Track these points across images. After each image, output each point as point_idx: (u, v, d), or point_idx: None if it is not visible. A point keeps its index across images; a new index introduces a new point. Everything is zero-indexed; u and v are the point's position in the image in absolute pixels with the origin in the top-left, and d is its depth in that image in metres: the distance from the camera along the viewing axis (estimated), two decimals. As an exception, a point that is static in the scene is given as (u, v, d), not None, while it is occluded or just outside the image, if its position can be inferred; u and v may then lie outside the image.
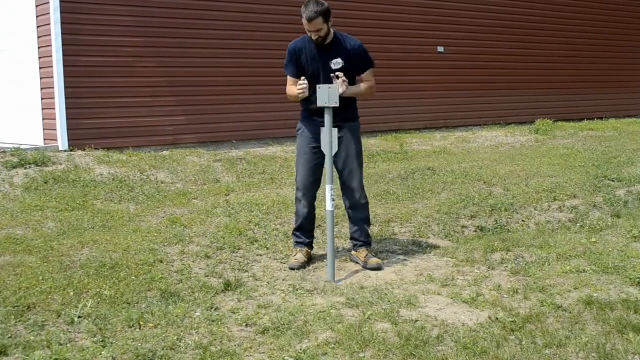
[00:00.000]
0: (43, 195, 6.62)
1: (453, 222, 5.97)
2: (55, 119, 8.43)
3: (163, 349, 3.36)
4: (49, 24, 8.31)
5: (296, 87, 4.64)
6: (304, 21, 4.53)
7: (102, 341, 3.44)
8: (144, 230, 5.49)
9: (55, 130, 8.46)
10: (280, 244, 5.27)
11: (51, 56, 8.38)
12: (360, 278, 4.61)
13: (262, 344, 3.46)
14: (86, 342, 3.45)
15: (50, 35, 8.34)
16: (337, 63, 4.68)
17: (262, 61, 9.94)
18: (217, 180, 7.75)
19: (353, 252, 4.98)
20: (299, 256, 4.86)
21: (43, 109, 8.72)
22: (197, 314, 3.85)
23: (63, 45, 8.34)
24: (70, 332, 3.58)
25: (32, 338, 3.47)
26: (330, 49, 4.69)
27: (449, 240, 5.60)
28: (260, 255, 5.03)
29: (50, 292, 4.05)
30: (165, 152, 8.87)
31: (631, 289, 4.22)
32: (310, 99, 4.66)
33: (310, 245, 5.03)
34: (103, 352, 3.32)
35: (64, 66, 8.36)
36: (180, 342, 3.46)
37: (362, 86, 4.81)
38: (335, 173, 4.89)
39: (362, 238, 4.93)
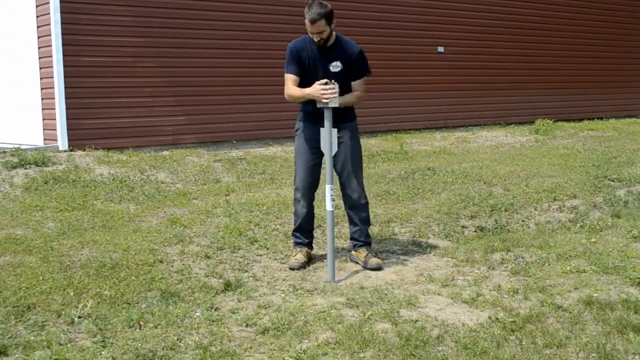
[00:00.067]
0: (43, 195, 6.62)
1: (453, 222, 5.97)
2: (55, 119, 8.43)
3: (163, 349, 3.36)
4: (49, 24, 8.32)
5: (310, 88, 4.56)
6: (307, 22, 4.52)
7: (102, 341, 3.44)
8: (144, 230, 5.49)
9: (55, 130, 8.46)
10: (280, 244, 5.27)
11: (51, 56, 8.39)
12: (360, 278, 4.61)
13: (262, 344, 3.46)
14: (86, 342, 3.45)
15: (50, 35, 8.34)
16: (336, 66, 4.67)
17: (262, 61, 9.94)
18: (217, 180, 7.75)
19: (353, 252, 4.98)
20: (299, 256, 4.86)
21: (43, 109, 8.73)
22: (197, 314, 3.85)
23: (63, 45, 8.34)
24: (70, 332, 3.58)
25: (32, 338, 3.47)
26: (330, 51, 4.68)
27: (449, 240, 5.60)
28: (260, 255, 5.03)
29: (50, 292, 4.05)
30: (165, 152, 8.87)
31: (631, 289, 4.22)
32: (312, 101, 4.65)
33: (310, 245, 5.03)
34: (103, 352, 3.32)
35: (64, 66, 8.36)
36: (180, 342, 3.46)
37: (354, 95, 4.77)
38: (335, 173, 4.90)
39: (362, 238, 4.93)
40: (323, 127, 4.59)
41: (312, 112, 4.72)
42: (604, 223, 5.95)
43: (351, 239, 5.02)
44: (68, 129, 8.42)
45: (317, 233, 5.33)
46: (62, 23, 8.33)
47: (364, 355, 3.34)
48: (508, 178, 7.56)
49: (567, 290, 4.23)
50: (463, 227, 5.92)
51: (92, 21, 8.60)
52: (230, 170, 8.25)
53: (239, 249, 5.10)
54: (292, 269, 4.75)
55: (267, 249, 5.15)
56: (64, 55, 8.35)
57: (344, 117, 4.74)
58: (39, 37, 8.63)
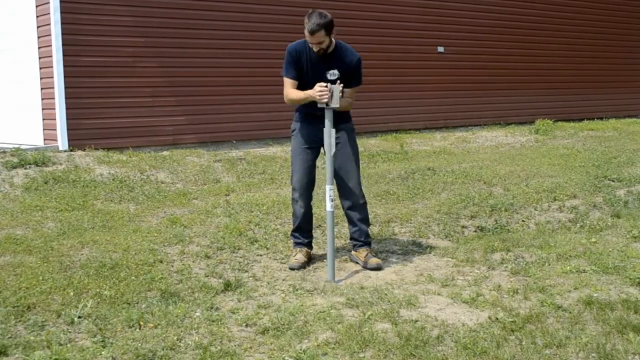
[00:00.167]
0: (43, 195, 6.62)
1: (453, 222, 5.97)
2: (55, 119, 8.43)
3: (163, 349, 3.36)
4: (49, 24, 8.31)
5: (309, 91, 4.58)
6: (306, 33, 4.51)
7: (102, 341, 3.44)
8: (144, 230, 5.49)
9: (55, 130, 8.46)
10: (280, 244, 5.27)
11: (51, 56, 8.38)
12: (360, 278, 4.61)
13: (262, 344, 3.46)
14: (86, 342, 3.45)
15: (50, 35, 8.34)
16: (333, 74, 4.67)
17: (262, 61, 9.94)
18: (217, 180, 7.75)
19: (353, 252, 4.99)
20: (299, 256, 4.86)
21: (43, 109, 8.73)
22: (197, 314, 3.85)
23: (63, 45, 8.34)
24: (70, 332, 3.58)
25: (32, 338, 3.47)
26: (329, 59, 4.67)
27: (449, 240, 5.60)
28: (260, 255, 5.03)
29: (50, 292, 4.05)
30: (165, 152, 8.87)
31: (631, 289, 4.22)
32: (312, 103, 4.65)
33: (309, 245, 5.03)
34: (103, 352, 3.32)
35: (64, 66, 8.36)
36: (180, 342, 3.46)
37: (347, 101, 4.74)
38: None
39: (361, 238, 4.93)
40: (320, 127, 4.59)
41: (309, 112, 4.73)
42: (604, 223, 5.95)
43: (351, 239, 5.02)
44: (68, 129, 8.42)
45: (317, 233, 5.33)
46: (62, 23, 8.32)
47: (364, 355, 3.34)
48: (508, 178, 7.56)
49: (567, 290, 4.23)
50: (463, 227, 5.92)
51: (92, 21, 8.60)
52: (230, 170, 8.25)
53: (239, 249, 5.10)
54: (292, 269, 4.75)
55: (267, 249, 5.16)
56: (64, 55, 8.35)
57: (340, 118, 4.74)
58: (39, 37, 8.63)
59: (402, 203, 6.56)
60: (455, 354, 3.33)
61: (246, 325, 3.71)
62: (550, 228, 5.92)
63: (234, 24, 9.82)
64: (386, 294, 4.18)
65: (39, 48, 8.64)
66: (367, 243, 4.95)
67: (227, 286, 4.29)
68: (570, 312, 3.85)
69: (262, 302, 4.05)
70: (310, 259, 4.95)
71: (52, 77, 8.40)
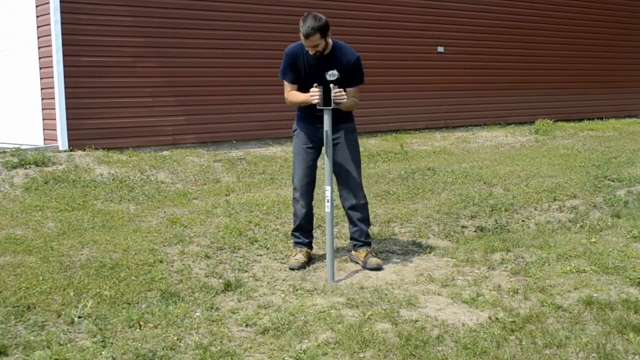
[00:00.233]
0: (43, 195, 6.62)
1: (453, 222, 5.97)
2: (55, 119, 8.43)
3: (163, 349, 3.36)
4: (49, 24, 8.32)
5: (305, 94, 4.60)
6: (301, 36, 4.51)
7: (102, 341, 3.44)
8: (144, 230, 5.49)
9: (55, 130, 8.46)
10: (280, 244, 5.27)
11: (51, 56, 8.39)
12: (360, 278, 4.61)
13: (262, 344, 3.46)
14: (86, 342, 3.45)
15: (50, 35, 8.34)
16: (332, 74, 4.67)
17: (262, 61, 9.94)
18: (217, 180, 7.75)
19: (353, 252, 4.99)
20: (299, 256, 4.86)
21: (43, 109, 8.73)
22: (197, 314, 3.85)
23: (63, 45, 8.34)
24: (70, 332, 3.58)
25: (32, 338, 3.47)
26: (327, 59, 4.67)
27: (449, 240, 5.60)
28: (260, 255, 5.03)
29: (50, 292, 4.05)
30: (165, 152, 8.88)
31: (631, 289, 4.22)
32: (310, 105, 4.66)
33: (309, 245, 5.03)
34: (103, 352, 3.32)
35: (64, 66, 8.36)
36: (180, 342, 3.46)
37: (352, 100, 4.73)
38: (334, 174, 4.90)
39: (362, 238, 4.93)
40: (320, 126, 4.60)
41: (309, 112, 4.73)
42: (604, 223, 5.95)
43: (351, 239, 5.02)
44: (68, 129, 8.43)
45: (317, 233, 5.33)
46: (62, 23, 8.33)
47: (364, 355, 3.34)
48: (508, 178, 7.56)
49: (567, 290, 4.23)
50: (463, 227, 5.92)
51: (92, 21, 8.60)
52: (230, 170, 8.25)
53: (239, 249, 5.10)
54: (292, 269, 4.75)
55: (267, 249, 5.15)
56: (64, 55, 8.35)
57: (341, 118, 4.74)
58: (39, 37, 8.63)
59: (402, 203, 6.56)
60: (455, 354, 3.33)
61: (246, 325, 3.71)
62: (550, 228, 5.92)
63: (234, 24, 9.82)
64: (386, 294, 4.18)
65: (39, 48, 8.64)
66: (367, 243, 4.94)
67: (227, 286, 4.29)
68: (570, 312, 3.85)
69: (262, 302, 4.05)
70: (310, 259, 4.95)
71: (52, 77, 8.40)
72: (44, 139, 8.73)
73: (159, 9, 9.13)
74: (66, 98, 8.40)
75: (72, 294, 4.04)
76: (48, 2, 8.28)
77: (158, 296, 4.09)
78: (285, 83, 4.79)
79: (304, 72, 4.71)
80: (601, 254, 4.93)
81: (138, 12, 8.98)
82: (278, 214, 6.02)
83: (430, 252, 5.21)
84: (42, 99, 8.70)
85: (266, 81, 9.71)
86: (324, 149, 4.69)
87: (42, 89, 8.69)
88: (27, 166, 7.52)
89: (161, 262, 4.71)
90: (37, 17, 8.60)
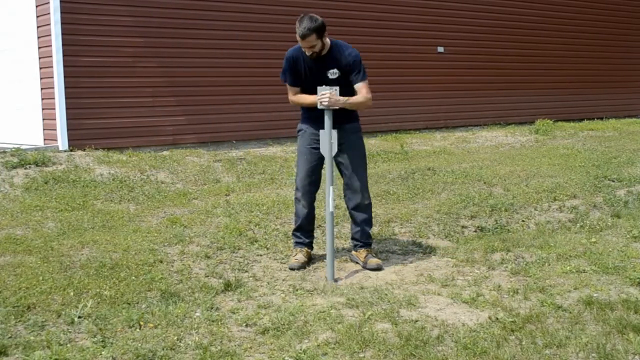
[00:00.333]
0: (43, 195, 6.62)
1: (453, 222, 5.97)
2: (55, 119, 8.43)
3: (163, 349, 3.36)
4: (49, 24, 8.32)
5: (313, 96, 4.61)
6: (298, 37, 4.52)
7: (102, 341, 3.44)
8: (144, 230, 5.49)
9: (55, 130, 8.46)
10: (280, 244, 5.27)
11: (51, 56, 8.39)
12: (360, 278, 4.61)
13: (262, 344, 3.46)
14: (86, 342, 3.45)
15: (50, 35, 8.34)
16: (333, 73, 4.67)
17: (261, 61, 9.94)
18: (217, 180, 7.75)
19: (353, 252, 4.98)
20: (299, 256, 4.86)
21: (43, 109, 8.73)
22: (197, 314, 3.85)
23: (63, 45, 8.34)
24: (70, 332, 3.58)
25: (32, 338, 3.47)
26: (326, 59, 4.68)
27: (449, 240, 5.60)
28: (260, 255, 5.03)
29: (50, 292, 4.05)
30: (165, 152, 8.88)
31: (631, 289, 4.22)
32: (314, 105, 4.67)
33: (310, 245, 5.03)
34: (103, 352, 3.32)
35: (64, 66, 8.36)
36: (180, 342, 3.46)
37: (363, 96, 4.70)
38: (337, 174, 4.90)
39: (362, 239, 4.93)
40: (323, 128, 4.60)
41: (313, 113, 4.73)
42: (604, 223, 5.95)
43: (352, 239, 5.02)
44: (68, 129, 8.43)
45: (317, 233, 5.33)
46: (62, 23, 8.33)
47: (364, 355, 3.34)
48: (508, 178, 7.56)
49: (567, 290, 4.23)
50: (463, 227, 5.92)
51: (92, 21, 8.60)
52: (230, 170, 8.25)
53: (239, 249, 5.10)
54: (292, 269, 4.75)
55: (267, 249, 5.15)
56: (64, 55, 8.35)
57: (346, 118, 4.74)
58: (39, 37, 8.63)
59: (402, 203, 6.56)
60: (455, 354, 3.33)
61: (246, 325, 3.71)
62: (550, 228, 5.92)
63: (234, 24, 9.82)
64: (386, 294, 4.18)
65: (39, 48, 8.64)
66: (367, 244, 4.94)
67: (227, 286, 4.29)
68: (570, 312, 3.85)
69: (262, 302, 4.05)
70: (310, 259, 4.95)
71: (52, 77, 8.40)
72: (44, 139, 8.73)
73: (159, 9, 9.13)
74: (66, 98, 8.40)
75: (72, 294, 4.04)
76: (48, 2, 8.28)
77: (158, 296, 4.09)
78: (288, 87, 4.83)
79: (304, 74, 4.71)
80: (601, 254, 4.94)
81: (138, 12, 8.98)
82: (278, 214, 6.02)
83: (430, 252, 5.21)
84: (42, 99, 8.70)
85: (266, 81, 9.72)
86: (321, 148, 4.68)
87: (42, 89, 8.69)
88: (27, 166, 7.52)
89: (161, 262, 4.72)
90: (37, 17, 8.60)
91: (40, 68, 8.67)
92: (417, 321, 3.75)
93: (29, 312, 3.79)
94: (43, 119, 8.74)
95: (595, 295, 4.11)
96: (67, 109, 8.41)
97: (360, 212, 4.90)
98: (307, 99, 4.73)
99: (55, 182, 7.11)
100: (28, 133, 8.97)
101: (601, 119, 14.53)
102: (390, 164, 8.85)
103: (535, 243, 5.31)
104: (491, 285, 4.37)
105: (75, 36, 8.46)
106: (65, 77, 8.37)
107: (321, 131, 4.58)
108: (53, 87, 8.40)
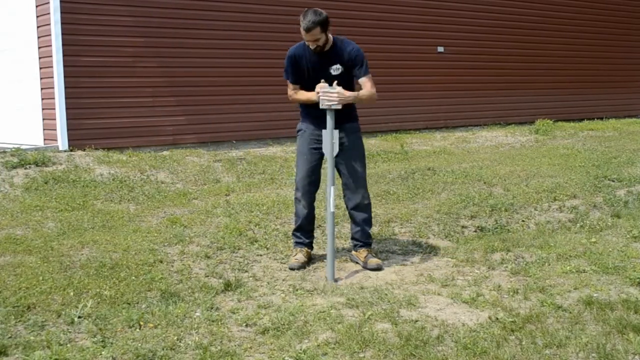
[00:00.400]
0: (43, 195, 6.62)
1: (453, 222, 5.97)
2: (55, 119, 8.43)
3: (163, 349, 3.36)
4: (49, 24, 8.32)
5: (311, 92, 4.62)
6: (302, 31, 4.52)
7: (102, 341, 3.44)
8: (144, 230, 5.49)
9: (55, 130, 8.46)
10: (280, 244, 5.27)
11: (51, 56, 8.39)
12: (360, 278, 4.61)
13: (262, 344, 3.46)
14: (86, 342, 3.45)
15: (50, 35, 8.34)
16: (336, 69, 4.68)
17: (262, 61, 9.94)
18: (217, 180, 7.75)
19: (353, 252, 4.98)
20: (299, 256, 4.86)
21: (43, 109, 8.73)
22: (197, 314, 3.85)
23: (63, 45, 8.34)
24: (70, 332, 3.58)
25: (32, 338, 3.47)
26: (329, 55, 4.68)
27: (449, 240, 5.60)
28: (260, 255, 5.03)
29: (50, 292, 4.05)
30: (165, 152, 8.88)
31: (631, 289, 4.22)
32: (313, 103, 4.66)
33: (310, 245, 5.03)
34: (103, 352, 3.32)
35: (64, 66, 8.36)
36: (180, 342, 3.46)
37: (368, 90, 4.72)
38: (337, 174, 4.90)
39: (362, 239, 4.93)
40: (325, 127, 4.60)
41: (312, 112, 4.73)
42: (604, 223, 5.95)
43: (352, 239, 5.02)
44: (68, 129, 8.43)
45: (317, 233, 5.33)
46: (62, 23, 8.33)
47: (364, 355, 3.34)
48: (508, 178, 7.56)
49: (567, 290, 4.23)
50: (463, 227, 5.92)
51: (92, 21, 8.60)
52: (230, 170, 8.25)
53: (239, 249, 5.10)
54: (292, 269, 4.75)
55: (267, 249, 5.15)
56: (64, 55, 8.35)
57: (346, 118, 4.74)
58: (39, 37, 8.63)
59: (402, 203, 6.56)
60: (455, 354, 3.33)
61: (246, 325, 3.71)
62: (550, 228, 5.92)
63: (234, 24, 9.82)
64: (386, 294, 4.18)
65: (39, 48, 8.64)
66: (367, 244, 4.94)
67: (227, 286, 4.29)
68: (570, 312, 3.85)
69: (262, 302, 4.05)
70: (310, 259, 4.95)
71: (52, 77, 8.40)
72: (44, 139, 8.73)
73: (159, 9, 9.13)
74: (66, 98, 8.40)
75: (72, 294, 4.04)
76: (48, 2, 8.28)
77: (158, 296, 4.09)
78: (288, 84, 4.83)
79: (306, 71, 4.71)
80: (601, 254, 4.93)
81: (138, 12, 8.98)
82: (278, 214, 6.02)
83: (430, 252, 5.21)
84: (42, 99, 8.70)
85: (266, 81, 9.72)
86: (323, 148, 4.68)
87: (42, 89, 8.70)
88: (27, 166, 7.52)
89: (161, 262, 4.72)
90: (37, 17, 8.60)
91: (40, 68, 8.67)
92: (417, 321, 3.75)
93: (29, 312, 3.79)
94: (43, 119, 8.74)
95: (595, 295, 4.11)
96: (67, 109, 8.41)
97: (360, 211, 4.90)
98: (305, 94, 4.73)
99: (55, 182, 7.11)
100: (28, 133, 8.97)
101: (601, 119, 14.53)
102: (390, 164, 8.85)
103: (535, 243, 5.31)
104: (491, 285, 4.37)
105: (75, 36, 8.46)
106: (65, 77, 8.37)
107: (324, 131, 4.59)
108: (53, 87, 8.40)
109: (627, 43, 15.48)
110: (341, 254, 5.11)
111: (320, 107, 4.55)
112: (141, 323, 3.67)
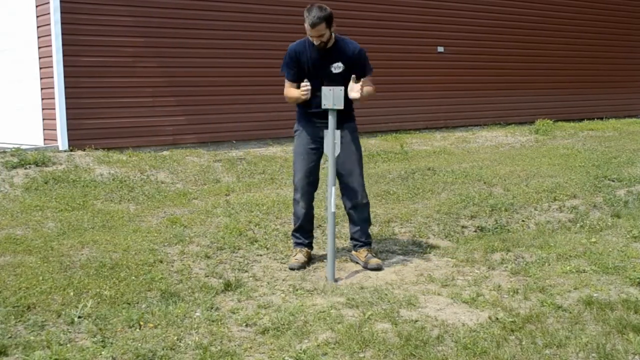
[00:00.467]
0: (43, 195, 6.62)
1: (453, 222, 5.97)
2: (55, 119, 8.43)
3: (163, 349, 3.36)
4: (49, 24, 8.32)
5: (299, 90, 4.64)
6: (307, 26, 4.52)
7: (102, 341, 3.44)
8: (144, 230, 5.49)
9: (55, 130, 8.46)
10: (280, 244, 5.27)
11: (51, 56, 8.39)
12: (360, 278, 4.61)
13: (262, 344, 3.46)
14: (86, 342, 3.45)
15: (50, 35, 8.34)
16: (337, 67, 4.68)
17: (262, 61, 9.94)
18: (217, 180, 7.75)
19: (353, 252, 4.98)
20: (299, 256, 4.86)
21: (43, 109, 8.73)
22: (197, 314, 3.85)
23: (63, 45, 8.34)
24: (70, 332, 3.58)
25: (32, 338, 3.47)
26: (330, 52, 4.68)
27: (449, 240, 5.60)
28: (260, 255, 5.03)
29: (50, 292, 4.04)
30: (165, 152, 8.88)
31: (631, 289, 4.22)
32: (310, 102, 4.67)
33: (309, 246, 5.03)
34: (103, 352, 3.32)
35: (64, 66, 8.36)
36: (180, 342, 3.46)
37: (368, 90, 4.74)
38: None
39: (362, 238, 4.93)
40: (321, 127, 4.59)
41: (309, 112, 4.73)
42: (604, 223, 5.95)
43: (351, 239, 5.02)
44: (68, 129, 8.43)
45: (317, 233, 5.33)
46: (62, 23, 8.33)
47: (364, 355, 3.34)
48: (508, 178, 7.56)
49: (567, 290, 4.23)
50: (463, 227, 5.92)
51: (92, 21, 8.60)
52: (230, 170, 8.25)
53: (239, 249, 5.10)
54: (292, 269, 4.75)
55: (267, 249, 5.15)
56: (64, 55, 8.35)
57: (343, 118, 4.74)
58: (39, 37, 8.63)
59: (402, 203, 6.56)
60: (455, 354, 3.33)
61: (246, 325, 3.71)
62: (550, 228, 5.92)
63: (234, 24, 9.82)
64: (386, 294, 4.18)
65: (39, 48, 8.64)
66: (367, 243, 4.94)
67: (227, 286, 4.29)
68: (570, 312, 3.85)
69: (262, 302, 4.05)
70: (310, 259, 4.95)
71: (52, 77, 8.40)
72: (44, 139, 8.73)
73: (159, 9, 9.13)
74: (66, 98, 8.40)
75: (72, 294, 4.04)
76: (48, 2, 8.29)
77: (158, 296, 4.09)
78: (286, 81, 4.82)
79: (307, 68, 4.70)
80: (601, 254, 4.93)
81: (138, 12, 8.98)
82: (278, 214, 6.02)
83: (430, 252, 5.21)
84: (42, 99, 8.70)
85: (266, 81, 9.72)
86: (325, 148, 4.68)
87: (42, 89, 8.70)
88: (27, 166, 7.52)
89: (161, 262, 4.72)
90: (37, 17, 8.60)
91: (40, 68, 8.67)
92: (417, 321, 3.75)
93: (29, 312, 3.79)
94: (43, 119, 8.74)
95: (595, 295, 4.11)
96: (67, 109, 8.41)
97: (359, 211, 4.90)
98: (292, 92, 4.72)
99: (55, 182, 7.11)
100: (28, 133, 8.98)
101: (601, 119, 14.53)
102: (390, 164, 8.85)
103: (535, 243, 5.31)
104: (491, 285, 4.37)
105: (75, 36, 8.46)
106: (65, 77, 8.37)
107: (325, 131, 4.58)
108: (53, 87, 8.40)
109: (627, 43, 15.48)
110: (341, 254, 5.11)
111: (322, 107, 4.54)
112: (141, 323, 3.67)
